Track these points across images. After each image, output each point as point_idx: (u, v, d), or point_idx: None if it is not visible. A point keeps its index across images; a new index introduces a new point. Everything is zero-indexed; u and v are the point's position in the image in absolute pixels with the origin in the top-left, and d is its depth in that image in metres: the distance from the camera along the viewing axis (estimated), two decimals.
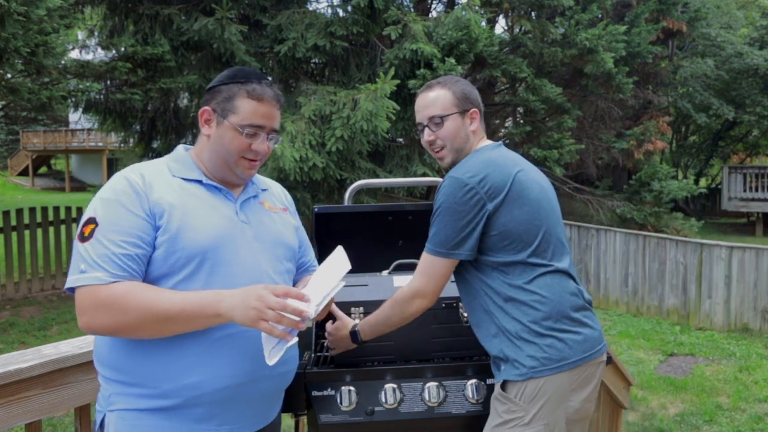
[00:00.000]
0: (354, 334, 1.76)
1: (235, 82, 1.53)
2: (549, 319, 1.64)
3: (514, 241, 1.67)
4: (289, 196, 1.82)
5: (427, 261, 1.70)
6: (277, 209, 1.68)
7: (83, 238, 1.40)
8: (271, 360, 1.34)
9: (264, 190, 1.70)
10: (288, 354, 1.48)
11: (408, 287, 1.72)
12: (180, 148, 1.63)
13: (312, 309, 1.38)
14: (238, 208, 1.56)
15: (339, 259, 1.54)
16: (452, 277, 1.92)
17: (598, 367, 1.74)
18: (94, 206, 1.43)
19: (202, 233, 1.44)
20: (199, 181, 1.54)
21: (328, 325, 1.83)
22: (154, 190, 1.45)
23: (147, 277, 1.41)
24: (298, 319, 1.32)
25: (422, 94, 1.86)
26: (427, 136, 1.83)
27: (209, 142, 1.55)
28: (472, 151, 1.82)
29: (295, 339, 1.37)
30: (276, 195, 1.75)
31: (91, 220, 1.41)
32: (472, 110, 1.83)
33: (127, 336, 1.40)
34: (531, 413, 1.62)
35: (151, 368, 1.41)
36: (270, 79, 1.52)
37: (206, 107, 1.54)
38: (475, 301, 1.73)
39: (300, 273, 1.76)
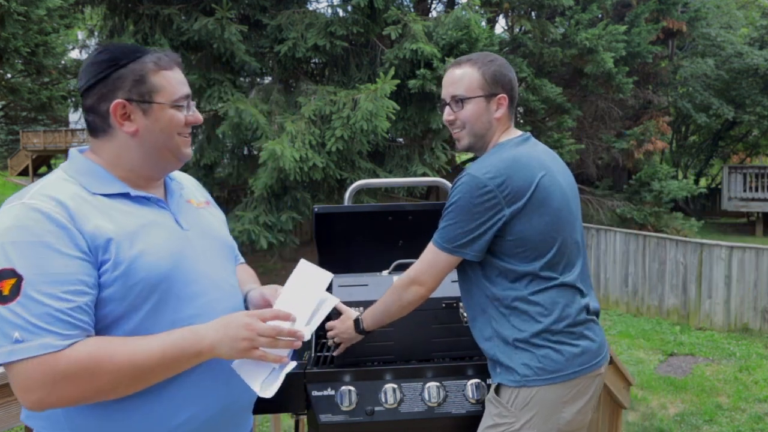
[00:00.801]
0: (357, 322, 1.74)
1: (131, 62, 1.29)
2: (548, 332, 1.60)
3: (528, 249, 1.60)
4: (201, 187, 1.64)
5: (430, 251, 1.65)
6: (202, 204, 1.52)
7: (2, 299, 1.09)
8: (268, 392, 1.27)
9: (179, 183, 1.51)
10: None
11: (406, 274, 1.68)
12: (75, 155, 1.34)
13: (305, 329, 1.33)
14: (176, 215, 1.38)
15: (309, 272, 1.44)
16: (455, 277, 1.91)
17: (595, 379, 1.69)
18: (4, 253, 1.12)
19: (158, 256, 1.24)
20: (126, 195, 1.30)
21: (330, 324, 1.80)
22: (85, 220, 1.19)
23: (102, 321, 1.20)
24: (293, 339, 1.27)
25: (450, 70, 1.74)
26: (446, 115, 1.74)
27: (139, 138, 1.30)
28: (496, 144, 1.71)
29: (294, 363, 1.30)
30: (193, 188, 1.57)
31: (8, 273, 1.10)
32: (499, 96, 1.70)
33: (91, 402, 1.19)
34: (521, 421, 1.59)
35: (136, 421, 1.23)
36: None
37: (117, 101, 1.27)
38: (473, 300, 1.69)
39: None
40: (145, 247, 1.23)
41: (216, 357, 1.24)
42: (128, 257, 1.20)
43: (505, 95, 1.71)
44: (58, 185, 1.24)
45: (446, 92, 1.73)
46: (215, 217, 1.55)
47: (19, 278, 1.10)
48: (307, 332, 1.33)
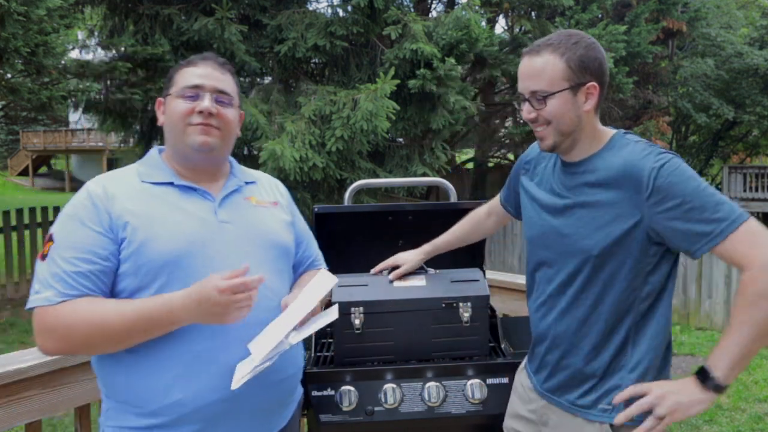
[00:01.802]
0: (704, 374, 1.34)
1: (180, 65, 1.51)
2: (667, 348, 1.42)
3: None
4: (282, 188, 1.69)
5: (751, 227, 1.33)
6: (266, 203, 1.56)
7: (43, 257, 1.33)
8: (236, 384, 1.28)
9: (250, 183, 1.58)
10: (288, 359, 1.45)
11: (762, 264, 1.30)
12: (153, 151, 1.54)
13: (294, 335, 1.33)
14: (218, 206, 1.45)
15: (324, 281, 1.45)
16: (455, 277, 1.90)
17: None
18: (57, 222, 1.37)
19: (169, 242, 1.34)
20: (170, 183, 1.44)
21: (653, 389, 1.43)
22: (116, 202, 1.36)
23: (121, 294, 1.34)
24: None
25: (528, 58, 1.44)
26: (526, 113, 1.46)
27: (165, 129, 1.48)
28: (610, 140, 1.45)
29: (267, 364, 1.31)
30: (266, 188, 1.62)
31: (50, 238, 1.34)
32: (589, 84, 1.40)
33: (82, 354, 1.41)
34: None
35: (136, 386, 1.35)
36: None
37: (159, 98, 1.51)
38: (614, 317, 1.47)
39: (304, 269, 1.68)
40: (158, 232, 1.35)
41: (192, 321, 1.28)
42: (139, 239, 1.33)
43: (595, 83, 1.41)
44: (117, 174, 1.46)
45: (524, 86, 1.44)
46: (275, 217, 1.56)
47: (53, 243, 1.33)
48: (294, 337, 1.34)
